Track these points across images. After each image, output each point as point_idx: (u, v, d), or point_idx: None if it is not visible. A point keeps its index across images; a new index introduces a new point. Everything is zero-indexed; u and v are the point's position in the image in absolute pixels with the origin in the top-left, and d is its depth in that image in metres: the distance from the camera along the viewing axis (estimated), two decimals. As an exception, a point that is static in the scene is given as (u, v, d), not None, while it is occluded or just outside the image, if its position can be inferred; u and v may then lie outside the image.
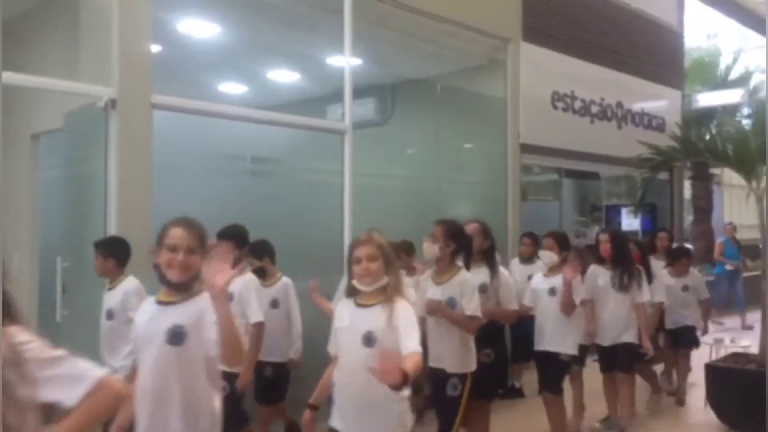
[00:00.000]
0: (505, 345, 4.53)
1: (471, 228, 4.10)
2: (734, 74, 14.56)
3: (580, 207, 11.03)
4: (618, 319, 4.97)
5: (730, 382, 5.58)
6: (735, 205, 15.96)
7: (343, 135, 5.84)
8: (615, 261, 4.99)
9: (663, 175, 9.07)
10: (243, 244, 4.22)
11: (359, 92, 6.20)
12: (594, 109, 8.58)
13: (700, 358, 6.55)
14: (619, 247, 5.02)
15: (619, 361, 5.00)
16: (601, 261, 5.11)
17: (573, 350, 4.68)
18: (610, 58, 8.77)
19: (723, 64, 14.60)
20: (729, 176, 14.57)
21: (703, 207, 13.87)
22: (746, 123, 12.50)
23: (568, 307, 4.56)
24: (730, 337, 6.50)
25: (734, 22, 14.04)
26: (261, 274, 4.44)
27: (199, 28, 5.88)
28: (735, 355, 5.97)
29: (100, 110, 4.30)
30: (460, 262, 3.77)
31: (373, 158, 6.41)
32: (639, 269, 5.07)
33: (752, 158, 5.56)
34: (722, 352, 6.32)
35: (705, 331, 6.38)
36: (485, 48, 7.53)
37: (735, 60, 14.77)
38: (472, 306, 3.59)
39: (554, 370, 4.71)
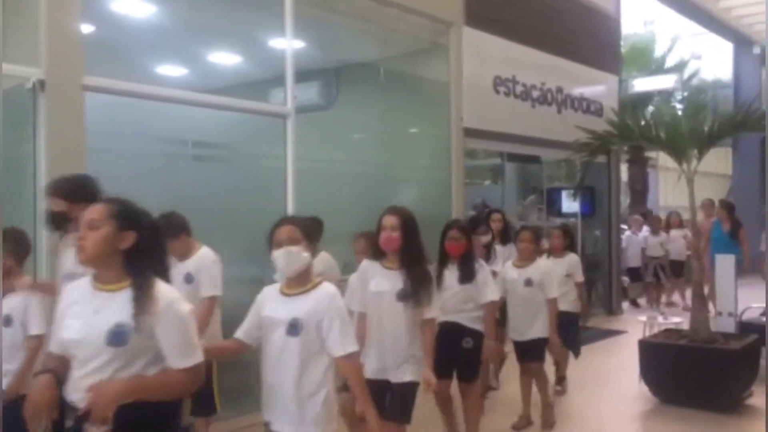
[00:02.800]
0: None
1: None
2: (669, 61, 15.05)
3: (522, 190, 11.25)
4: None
5: (662, 357, 5.82)
6: (670, 187, 16.57)
7: (285, 119, 5.77)
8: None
9: (601, 159, 9.31)
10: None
11: (303, 76, 6.13)
12: (535, 93, 8.73)
13: (634, 335, 6.82)
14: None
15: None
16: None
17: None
18: (550, 44, 8.92)
19: (658, 50, 15.05)
20: (664, 159, 15.11)
21: (639, 189, 14.42)
22: (679, 107, 12.96)
23: None
24: (662, 314, 6.76)
25: (670, 10, 14.46)
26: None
27: (136, 8, 5.69)
28: (667, 331, 6.22)
29: (28, 92, 4.13)
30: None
31: (318, 143, 6.37)
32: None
33: (683, 142, 5.77)
34: (655, 329, 6.58)
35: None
36: (428, 32, 7.55)
37: (671, 47, 15.26)
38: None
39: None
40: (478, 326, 4.31)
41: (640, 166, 14.24)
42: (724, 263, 6.56)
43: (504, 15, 8.20)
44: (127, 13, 5.69)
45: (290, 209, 5.73)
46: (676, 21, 15.65)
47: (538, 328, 4.90)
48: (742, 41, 17.16)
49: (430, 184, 7.58)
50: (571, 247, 5.90)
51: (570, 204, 10.16)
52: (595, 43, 9.98)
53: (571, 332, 5.70)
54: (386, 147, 7.16)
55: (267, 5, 6.13)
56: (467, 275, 4.23)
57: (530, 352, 4.98)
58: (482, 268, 4.33)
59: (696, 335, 5.70)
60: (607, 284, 10.45)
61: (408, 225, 3.49)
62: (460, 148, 7.58)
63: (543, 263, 5.02)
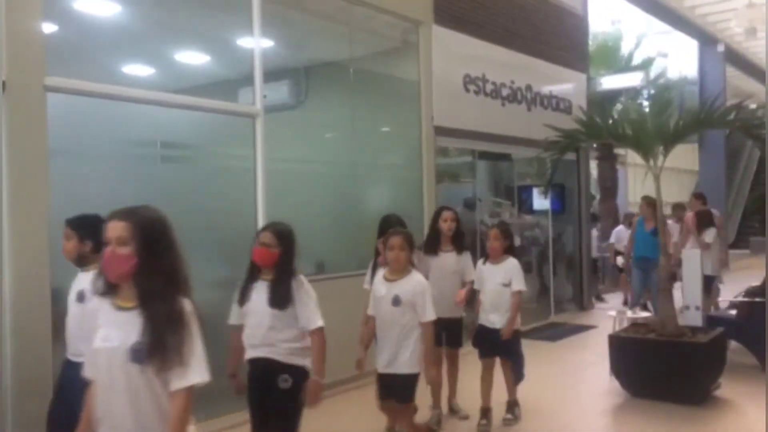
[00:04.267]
0: None
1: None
2: (636, 59, 15.27)
3: (494, 188, 11.31)
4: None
5: (632, 351, 5.90)
6: (639, 183, 16.81)
7: (254, 119, 5.73)
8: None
9: (571, 156, 9.40)
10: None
11: (272, 75, 6.09)
12: (504, 92, 8.78)
13: (604, 330, 6.90)
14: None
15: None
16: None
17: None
18: (519, 42, 8.99)
19: (625, 48, 15.26)
20: (633, 156, 15.33)
21: (609, 186, 14.61)
22: (645, 105, 13.16)
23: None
24: (631, 310, 6.85)
25: (637, 8, 14.68)
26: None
27: (100, 7, 5.58)
28: (635, 326, 6.31)
29: (-12, 93, 4.02)
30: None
31: (288, 142, 6.33)
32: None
33: (649, 139, 5.84)
34: (624, 324, 6.67)
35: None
36: (398, 31, 7.56)
37: (637, 45, 15.48)
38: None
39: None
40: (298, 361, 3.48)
41: (609, 163, 14.43)
42: (690, 259, 6.68)
43: (473, 14, 8.24)
44: (91, 13, 5.58)
45: (260, 209, 5.69)
46: (642, 19, 15.90)
47: (405, 361, 3.91)
48: (706, 39, 17.49)
49: (402, 182, 7.59)
50: (511, 249, 5.04)
51: (541, 201, 10.24)
52: (563, 41, 10.08)
53: (511, 349, 5.04)
54: (357, 146, 7.14)
55: (234, 4, 6.08)
56: (278, 299, 3.42)
57: (393, 390, 4.00)
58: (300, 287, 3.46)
59: (664, 329, 5.78)
60: (578, 280, 10.57)
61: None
62: (431, 147, 7.60)
63: (416, 278, 3.95)
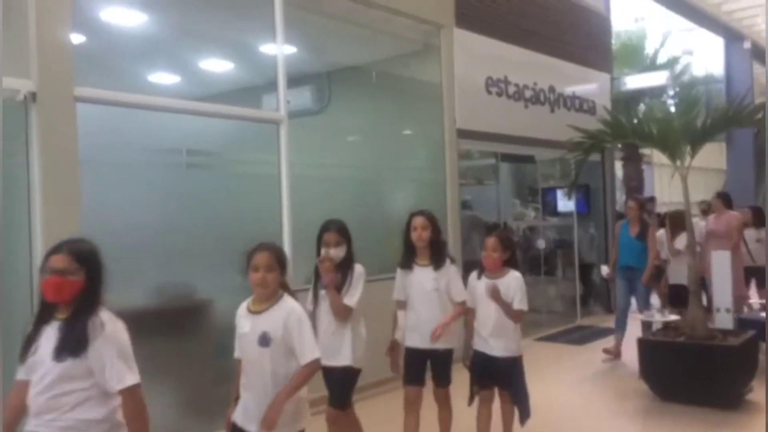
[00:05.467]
0: None
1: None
2: (662, 58, 15.07)
3: (517, 190, 11.25)
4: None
5: (662, 354, 5.82)
6: (665, 183, 16.60)
7: (278, 125, 5.77)
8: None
9: (595, 156, 9.31)
10: None
11: (295, 81, 6.13)
12: (527, 93, 8.73)
13: (631, 332, 6.82)
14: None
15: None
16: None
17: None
18: (541, 43, 8.94)
19: (649, 47, 15.08)
20: (659, 156, 15.13)
21: (634, 186, 14.42)
22: (671, 104, 12.99)
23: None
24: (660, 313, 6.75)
25: (660, 6, 14.50)
26: None
27: (126, 17, 5.67)
28: (665, 329, 6.22)
29: (19, 104, 4.11)
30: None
31: (311, 147, 6.36)
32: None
33: (676, 138, 5.77)
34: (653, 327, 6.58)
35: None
36: (419, 34, 7.56)
37: (662, 43, 15.28)
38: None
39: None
40: None
41: (634, 162, 14.26)
42: (720, 259, 6.57)
43: (495, 16, 8.21)
44: (117, 23, 5.67)
45: (285, 214, 5.72)
46: (666, 17, 15.69)
47: (284, 422, 2.93)
48: (732, 36, 17.21)
49: (425, 186, 7.58)
50: (512, 262, 4.23)
51: (565, 203, 10.16)
52: (586, 41, 10.00)
53: (513, 379, 4.25)
54: (380, 150, 7.15)
55: (257, 11, 6.12)
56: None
57: None
58: None
59: (694, 332, 5.70)
60: (604, 282, 10.45)
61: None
62: (454, 150, 7.58)
63: (289, 306, 3.00)
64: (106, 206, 4.52)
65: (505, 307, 4.09)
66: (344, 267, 3.93)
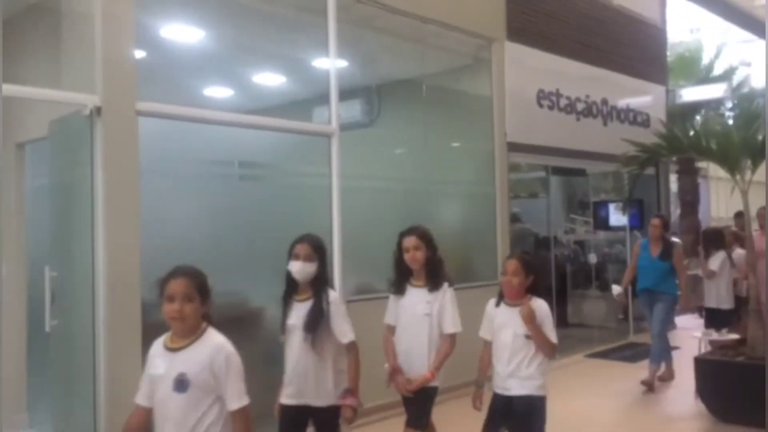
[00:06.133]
0: None
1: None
2: (717, 69, 14.68)
3: (567, 203, 11.10)
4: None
5: (720, 374, 5.63)
6: (722, 197, 16.12)
7: (330, 137, 5.85)
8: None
9: (649, 170, 9.12)
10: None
11: (345, 94, 6.20)
12: (579, 106, 8.63)
13: (686, 351, 6.62)
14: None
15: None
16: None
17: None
18: (594, 55, 8.83)
19: (706, 58, 14.73)
20: (715, 169, 14.70)
21: (690, 200, 14.05)
22: (729, 116, 12.62)
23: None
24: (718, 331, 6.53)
25: (716, 16, 14.17)
26: None
27: (183, 33, 5.86)
28: (723, 348, 6.03)
29: (85, 118, 4.28)
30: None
31: (361, 160, 6.42)
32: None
33: (736, 153, 5.61)
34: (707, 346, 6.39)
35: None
36: (470, 48, 7.57)
37: (717, 54, 14.89)
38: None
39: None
40: None
41: (690, 176, 13.89)
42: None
43: (546, 28, 8.16)
44: (175, 39, 5.86)
45: (336, 226, 5.78)
46: (723, 28, 15.30)
47: None
48: (793, 46, 16.66)
49: (475, 199, 7.55)
50: (535, 288, 3.62)
51: (618, 217, 9.97)
52: (641, 53, 9.83)
53: (533, 424, 3.56)
54: (430, 163, 7.16)
55: (311, 27, 6.24)
56: None
57: None
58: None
59: (754, 352, 5.50)
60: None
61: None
62: (504, 163, 7.54)
63: (213, 342, 2.59)
64: (162, 216, 4.66)
65: (540, 336, 3.48)
66: (315, 287, 3.36)
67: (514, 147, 7.59)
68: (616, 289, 7.49)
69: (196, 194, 5.06)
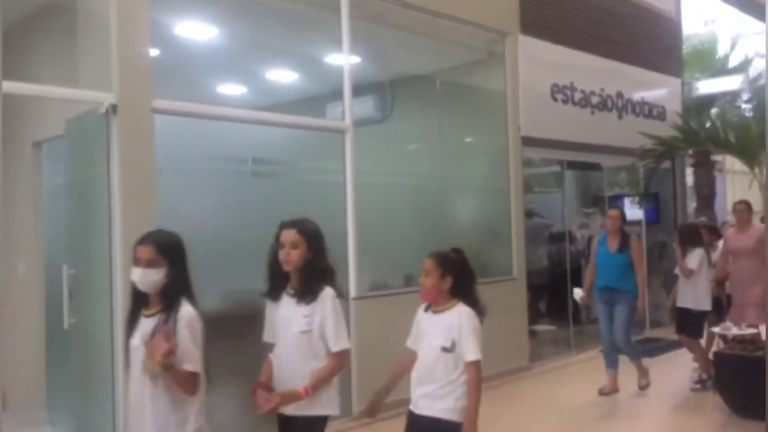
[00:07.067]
0: None
1: None
2: (733, 61, 14.52)
3: (582, 198, 11.03)
4: None
5: (739, 369, 5.58)
6: (738, 190, 15.96)
7: (343, 134, 5.84)
8: None
9: (665, 163, 9.04)
10: None
11: (358, 90, 6.20)
12: (594, 99, 8.57)
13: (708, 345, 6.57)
14: None
15: None
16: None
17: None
18: (608, 48, 8.75)
19: (721, 50, 14.57)
20: (731, 162, 14.55)
21: (706, 194, 13.90)
22: (745, 108, 12.49)
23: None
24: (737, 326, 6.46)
25: (732, 8, 13.99)
26: None
27: (197, 31, 5.88)
28: (742, 342, 5.97)
29: (101, 116, 4.30)
30: None
31: (375, 156, 6.41)
32: None
33: (754, 145, 5.55)
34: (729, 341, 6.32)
35: None
36: (483, 42, 7.53)
37: (733, 46, 14.73)
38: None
39: None
40: None
41: (706, 169, 13.75)
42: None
43: (560, 22, 8.09)
44: (190, 37, 5.88)
45: (350, 222, 5.78)
46: (738, 19, 15.12)
47: None
48: (811, 37, 16.44)
49: (489, 194, 7.52)
50: (463, 291, 3.08)
51: (633, 211, 9.89)
52: (656, 45, 9.74)
53: None
54: (444, 158, 7.14)
55: (324, 22, 6.23)
56: None
57: None
58: None
59: (770, 346, 5.45)
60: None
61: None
62: (518, 158, 7.50)
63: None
64: (176, 213, 4.67)
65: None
66: (167, 298, 2.68)
67: (528, 141, 7.55)
68: (578, 292, 7.08)
69: (210, 191, 5.07)
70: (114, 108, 4.28)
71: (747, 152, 5.56)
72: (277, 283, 3.03)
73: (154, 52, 4.59)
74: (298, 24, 6.33)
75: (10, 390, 5.65)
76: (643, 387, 6.23)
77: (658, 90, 9.69)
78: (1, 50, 3.27)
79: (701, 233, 6.53)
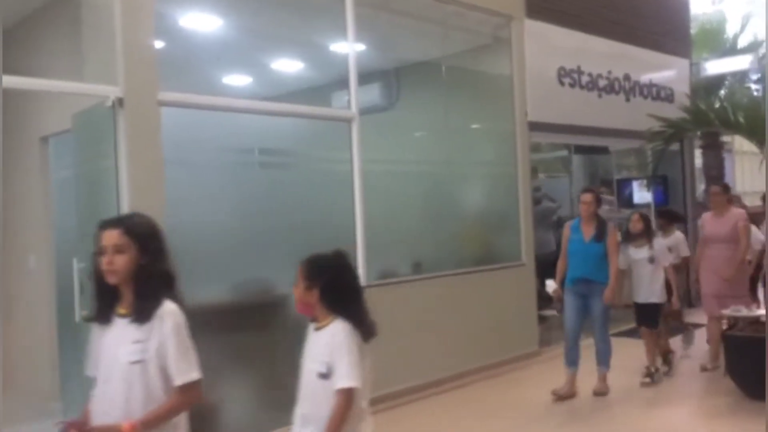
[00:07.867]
0: None
1: None
2: (742, 41, 14.36)
3: (590, 181, 10.99)
4: None
5: (750, 351, 5.57)
6: (747, 171, 15.86)
7: (350, 122, 5.83)
8: None
9: (673, 146, 8.98)
10: None
11: (364, 78, 6.17)
12: (601, 83, 8.50)
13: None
14: None
15: None
16: None
17: None
18: (615, 30, 8.67)
19: (730, 30, 14.42)
20: (740, 143, 14.44)
21: (715, 176, 13.79)
22: (755, 88, 12.36)
23: None
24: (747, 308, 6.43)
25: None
26: None
27: (201, 22, 5.87)
28: (753, 324, 5.95)
29: (108, 110, 4.31)
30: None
31: (381, 144, 6.40)
32: None
33: (764, 125, 5.50)
34: (740, 323, 6.30)
35: None
36: (489, 27, 7.47)
37: (743, 26, 14.56)
38: None
39: None
40: None
41: (715, 151, 13.66)
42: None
43: (566, 4, 8.02)
44: (194, 28, 5.87)
45: (358, 211, 5.78)
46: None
47: None
48: (821, 14, 16.23)
49: (496, 179, 7.50)
50: (335, 302, 2.64)
51: (642, 194, 9.85)
52: (664, 26, 9.64)
53: None
54: (450, 144, 7.12)
55: (328, 11, 6.20)
56: None
57: None
58: None
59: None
60: (685, 276, 10.07)
61: None
62: (526, 143, 7.47)
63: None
64: (184, 205, 4.69)
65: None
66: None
67: (535, 126, 7.51)
68: (550, 285, 6.67)
69: (217, 183, 5.08)
70: (120, 101, 4.28)
71: (757, 132, 5.52)
72: (104, 301, 2.36)
73: (159, 45, 4.58)
74: (303, 13, 6.30)
75: (24, 382, 5.71)
76: (598, 393, 5.67)
77: (666, 71, 9.60)
78: (0, 46, 3.27)
79: (649, 223, 6.15)
